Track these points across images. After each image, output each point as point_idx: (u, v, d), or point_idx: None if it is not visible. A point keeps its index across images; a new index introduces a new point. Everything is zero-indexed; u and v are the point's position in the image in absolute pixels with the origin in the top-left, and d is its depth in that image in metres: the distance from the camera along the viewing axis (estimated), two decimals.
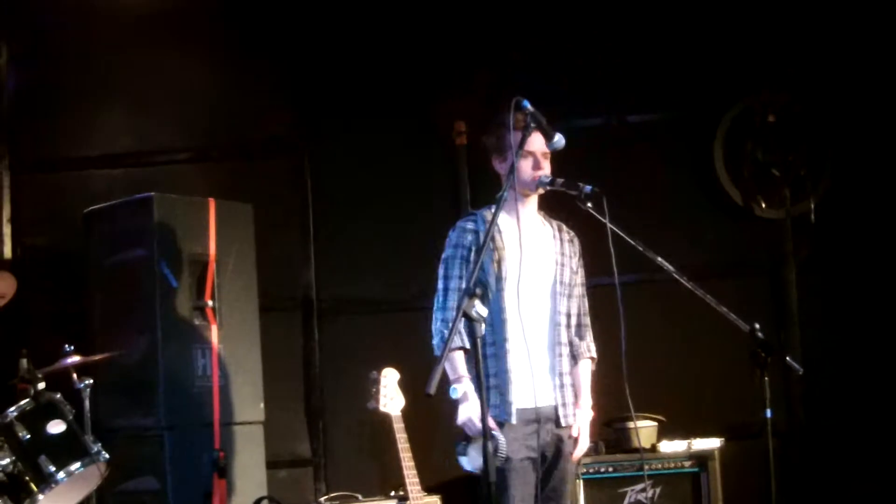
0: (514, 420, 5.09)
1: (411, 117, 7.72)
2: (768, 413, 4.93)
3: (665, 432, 6.88)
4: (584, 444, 5.29)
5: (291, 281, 7.81)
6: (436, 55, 7.70)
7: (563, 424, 5.22)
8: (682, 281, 5.01)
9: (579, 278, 5.41)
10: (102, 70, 7.79)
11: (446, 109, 7.63)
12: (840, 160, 7.61)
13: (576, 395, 5.31)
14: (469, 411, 5.03)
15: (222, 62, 7.85)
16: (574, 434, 5.26)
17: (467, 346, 5.08)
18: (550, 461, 5.20)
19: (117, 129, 7.91)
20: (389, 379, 6.18)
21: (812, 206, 7.55)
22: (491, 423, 4.87)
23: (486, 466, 4.25)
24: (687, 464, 6.70)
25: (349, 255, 7.82)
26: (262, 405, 7.13)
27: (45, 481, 5.73)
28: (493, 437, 4.76)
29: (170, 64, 7.75)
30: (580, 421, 5.28)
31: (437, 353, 5.16)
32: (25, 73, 7.89)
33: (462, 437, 5.04)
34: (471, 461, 4.97)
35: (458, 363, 5.10)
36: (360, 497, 6.52)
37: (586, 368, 5.39)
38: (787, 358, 5.00)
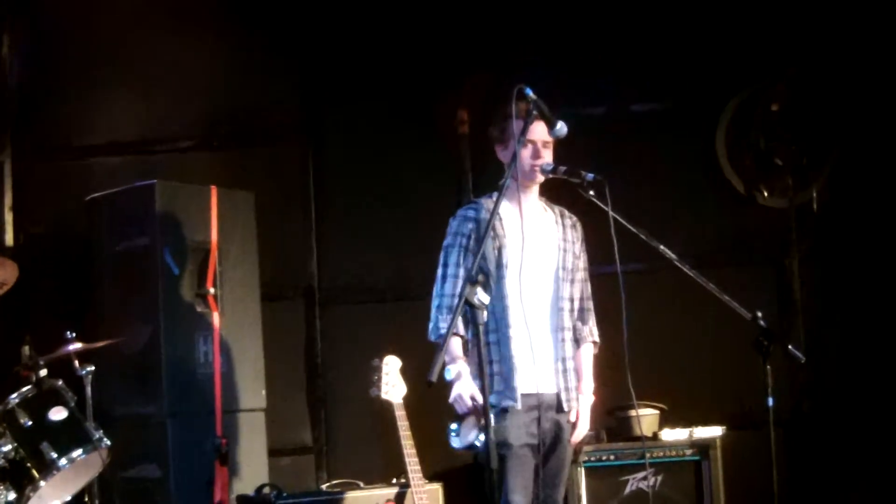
0: (519, 406, 5.10)
1: (414, 106, 7.70)
2: (770, 401, 4.93)
3: (667, 420, 6.88)
4: (583, 429, 5.31)
5: (294, 269, 7.81)
6: (439, 44, 7.68)
7: (566, 409, 5.24)
8: (684, 269, 5.01)
9: (581, 263, 5.43)
10: (105, 58, 7.77)
11: (449, 98, 7.63)
12: (843, 149, 7.59)
13: (578, 380, 5.34)
14: (460, 388, 5.03)
15: (226, 50, 7.82)
16: (572, 419, 5.27)
17: (462, 333, 5.10)
18: (548, 447, 5.21)
19: (120, 116, 7.88)
20: (391, 366, 6.18)
21: (814, 194, 7.54)
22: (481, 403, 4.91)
23: (487, 455, 4.25)
24: (688, 452, 6.70)
25: (351, 243, 7.81)
26: (263, 392, 7.15)
27: (48, 468, 5.74)
28: (481, 414, 4.79)
29: (173, 51, 7.71)
30: (580, 405, 5.30)
31: (432, 338, 5.23)
32: (28, 62, 7.87)
33: (453, 417, 5.04)
34: (461, 439, 4.95)
35: (454, 348, 5.13)
36: (361, 484, 6.51)
37: (588, 352, 5.42)
38: (790, 346, 5.00)
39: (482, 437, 4.78)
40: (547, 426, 5.18)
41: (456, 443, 4.99)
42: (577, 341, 5.39)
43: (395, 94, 7.74)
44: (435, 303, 5.27)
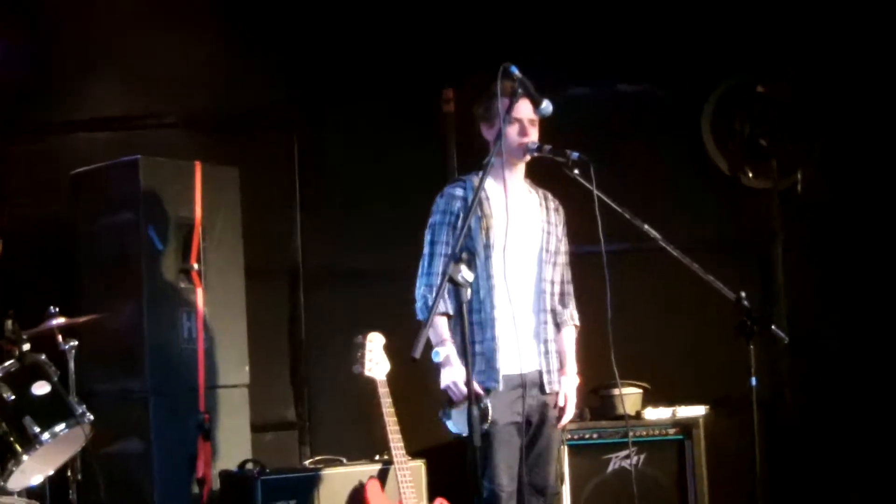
0: (500, 387, 5.10)
1: (400, 85, 7.69)
2: (753, 381, 4.95)
3: (650, 400, 6.90)
4: (570, 412, 5.33)
5: (278, 245, 7.79)
6: (424, 22, 7.66)
7: (548, 391, 5.24)
8: (668, 249, 5.01)
9: (563, 246, 5.44)
10: (91, 33, 7.71)
11: (435, 77, 7.61)
12: (829, 133, 7.60)
13: (560, 363, 5.34)
14: (452, 375, 5.05)
15: (214, 27, 7.76)
16: (560, 403, 5.28)
17: (450, 311, 5.11)
18: (535, 427, 5.23)
19: (106, 92, 7.83)
20: (375, 343, 6.18)
21: (799, 177, 7.55)
22: (477, 388, 4.90)
23: (471, 431, 4.26)
24: (671, 431, 6.72)
25: (336, 221, 7.80)
26: (246, 368, 7.14)
27: (30, 442, 5.72)
28: (481, 402, 4.79)
29: (161, 28, 7.65)
30: (566, 388, 5.31)
31: (420, 317, 5.23)
32: (12, 37, 7.82)
33: (446, 402, 5.05)
34: (456, 424, 4.98)
35: (440, 328, 5.13)
36: (344, 461, 6.53)
37: (570, 336, 5.43)
38: (773, 326, 5.02)
39: (484, 424, 4.81)
40: (532, 403, 5.19)
41: (452, 427, 5.01)
42: (558, 325, 5.40)
43: (381, 75, 7.72)
44: (422, 281, 5.27)
